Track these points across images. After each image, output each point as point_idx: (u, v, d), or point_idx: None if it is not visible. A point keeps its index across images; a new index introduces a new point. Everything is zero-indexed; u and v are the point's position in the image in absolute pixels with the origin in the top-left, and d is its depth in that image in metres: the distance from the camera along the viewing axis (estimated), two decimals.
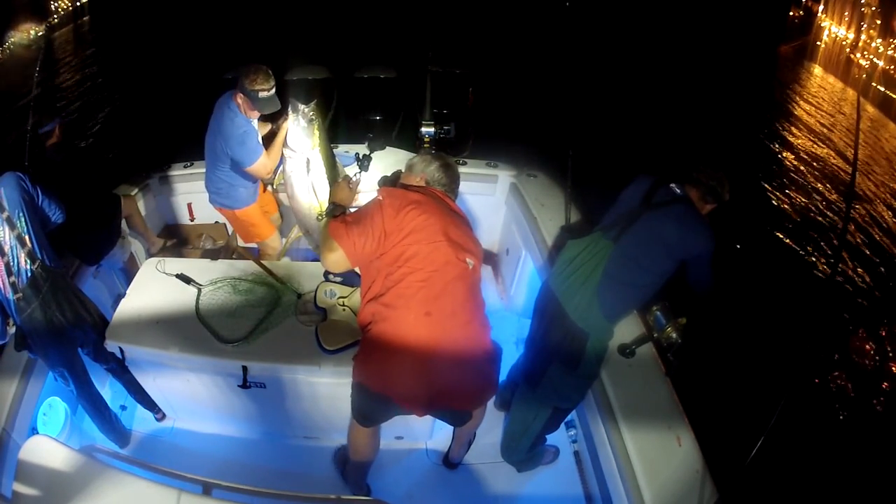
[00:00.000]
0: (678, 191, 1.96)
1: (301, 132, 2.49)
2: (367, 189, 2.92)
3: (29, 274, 1.89)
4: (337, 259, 1.68)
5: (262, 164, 2.64)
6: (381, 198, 1.71)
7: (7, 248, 1.85)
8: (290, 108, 2.49)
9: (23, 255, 1.88)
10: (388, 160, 3.17)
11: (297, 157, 2.60)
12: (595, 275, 1.89)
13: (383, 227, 1.64)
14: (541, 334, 2.07)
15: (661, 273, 1.90)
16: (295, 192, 2.69)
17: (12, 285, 1.88)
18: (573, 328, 1.89)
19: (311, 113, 2.48)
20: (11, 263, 1.86)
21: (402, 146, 3.51)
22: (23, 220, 1.87)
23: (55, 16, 18.57)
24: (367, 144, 2.73)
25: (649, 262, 1.89)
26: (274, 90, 2.58)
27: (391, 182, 2.07)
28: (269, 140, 2.74)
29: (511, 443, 2.25)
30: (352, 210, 1.89)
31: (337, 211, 1.88)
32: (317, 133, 2.55)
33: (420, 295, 1.62)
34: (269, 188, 3.25)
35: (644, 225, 1.90)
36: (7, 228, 1.84)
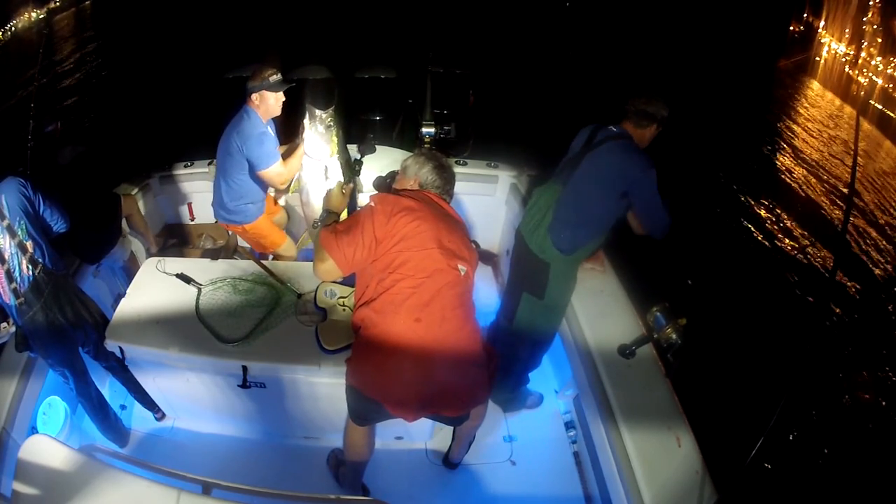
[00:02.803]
0: (614, 129, 2.16)
1: (319, 139, 2.45)
2: (366, 189, 2.92)
3: (30, 279, 1.89)
4: (328, 269, 1.67)
5: (277, 171, 2.57)
6: (372, 204, 1.70)
7: (7, 256, 1.85)
8: (306, 114, 2.46)
9: (24, 261, 1.87)
10: (384, 160, 3.17)
11: (315, 164, 2.58)
12: (548, 216, 2.17)
13: (374, 235, 1.63)
14: (513, 272, 2.40)
15: (607, 208, 2.11)
16: (311, 199, 2.66)
17: (13, 291, 1.88)
18: (536, 260, 2.20)
19: (329, 119, 2.45)
20: (12, 270, 1.86)
21: (403, 146, 3.50)
22: (23, 226, 1.87)
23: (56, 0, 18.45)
24: (357, 148, 2.73)
25: (593, 198, 2.11)
26: (280, 76, 2.55)
27: (386, 183, 2.06)
28: (288, 155, 2.70)
29: (497, 382, 2.29)
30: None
31: (330, 219, 1.87)
32: (335, 139, 2.52)
33: (410, 302, 1.61)
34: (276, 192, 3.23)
35: (585, 166, 2.13)
36: (7, 236, 1.84)
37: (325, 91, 3.11)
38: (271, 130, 2.67)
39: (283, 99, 2.59)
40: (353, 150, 3.00)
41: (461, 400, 1.79)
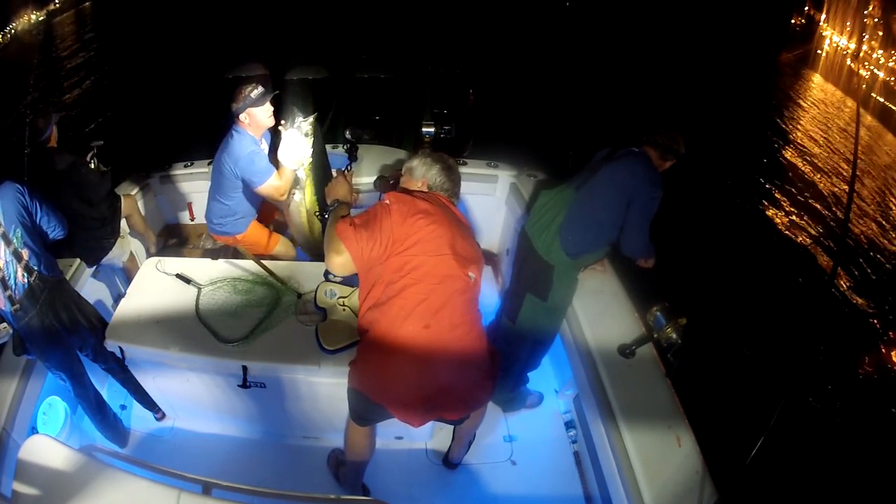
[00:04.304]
0: (636, 150, 2.26)
1: (296, 146, 2.44)
2: (364, 190, 2.90)
3: (26, 286, 1.89)
4: (343, 262, 1.65)
5: (274, 185, 2.52)
6: (388, 202, 1.68)
7: (2, 264, 1.84)
8: (287, 119, 2.44)
9: (19, 269, 1.87)
10: (384, 160, 3.16)
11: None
12: (559, 217, 2.23)
13: (391, 233, 1.61)
14: (517, 272, 2.41)
15: (615, 215, 2.17)
16: (290, 206, 2.66)
17: (9, 298, 1.88)
18: (541, 261, 2.24)
19: (309, 126, 2.43)
20: (7, 278, 1.85)
21: (403, 146, 3.50)
22: (19, 235, 1.86)
23: (56, 1, 18.42)
24: (348, 131, 2.68)
25: (604, 204, 2.18)
26: (261, 88, 2.50)
27: (389, 184, 2.05)
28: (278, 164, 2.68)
29: (498, 382, 2.31)
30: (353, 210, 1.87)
31: (342, 210, 1.84)
32: (311, 148, 2.51)
33: (420, 308, 1.60)
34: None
35: (602, 175, 2.21)
36: (2, 244, 1.83)
37: (307, 97, 3.09)
38: (265, 143, 2.65)
39: (272, 109, 2.53)
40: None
41: (465, 402, 1.80)
